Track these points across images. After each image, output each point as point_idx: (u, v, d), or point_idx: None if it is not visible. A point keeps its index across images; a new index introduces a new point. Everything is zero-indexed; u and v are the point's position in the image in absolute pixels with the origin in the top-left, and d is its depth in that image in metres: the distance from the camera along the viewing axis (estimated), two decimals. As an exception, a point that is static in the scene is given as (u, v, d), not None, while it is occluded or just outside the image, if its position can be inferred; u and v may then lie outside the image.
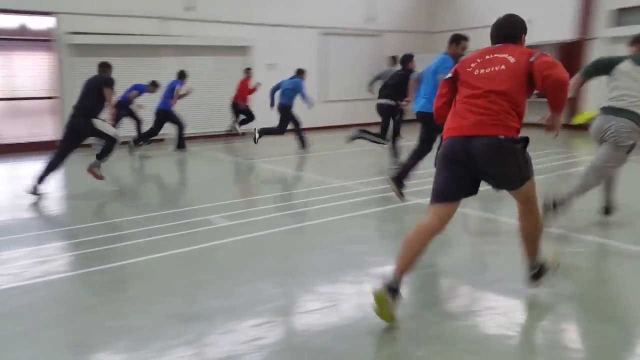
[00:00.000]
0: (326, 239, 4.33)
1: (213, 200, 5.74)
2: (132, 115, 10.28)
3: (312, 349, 2.53)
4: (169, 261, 3.90)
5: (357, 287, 3.28)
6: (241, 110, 11.84)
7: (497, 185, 2.90)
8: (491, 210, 5.12)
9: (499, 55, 2.81)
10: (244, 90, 11.74)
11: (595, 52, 11.93)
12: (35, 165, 8.67)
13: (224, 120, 12.39)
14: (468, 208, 4.60)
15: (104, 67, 6.72)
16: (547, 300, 3.07)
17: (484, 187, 2.92)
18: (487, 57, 2.84)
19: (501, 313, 2.89)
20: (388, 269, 2.82)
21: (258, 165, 8.43)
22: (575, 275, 3.49)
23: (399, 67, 8.38)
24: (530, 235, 2.94)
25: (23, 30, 10.28)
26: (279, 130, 9.56)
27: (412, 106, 5.91)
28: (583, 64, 12.01)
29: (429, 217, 2.79)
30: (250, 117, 11.92)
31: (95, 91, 6.25)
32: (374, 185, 6.42)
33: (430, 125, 5.20)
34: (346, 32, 13.86)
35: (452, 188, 2.79)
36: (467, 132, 2.69)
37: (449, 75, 2.97)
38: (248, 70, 11.83)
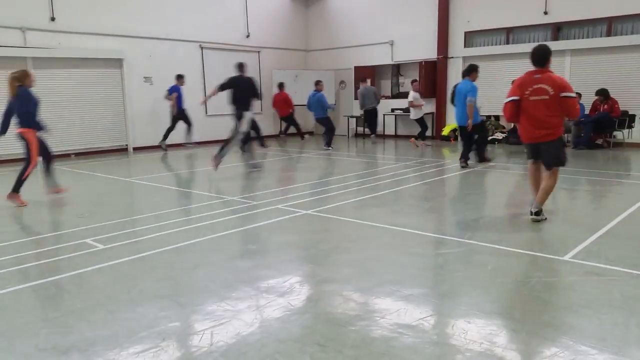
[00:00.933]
0: (214, 256, 4.28)
1: (90, 222, 5.37)
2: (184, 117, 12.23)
3: (201, 369, 2.50)
4: (39, 291, 3.58)
5: (246, 303, 3.29)
6: (289, 119, 14.02)
7: (545, 161, 5.15)
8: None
9: (542, 86, 4.93)
10: (282, 102, 13.80)
11: (453, 69, 13.39)
12: None
13: (100, 135, 11.71)
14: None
15: None
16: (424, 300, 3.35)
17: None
18: (535, 86, 4.96)
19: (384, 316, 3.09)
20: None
21: (138, 183, 8.05)
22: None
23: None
24: (548, 189, 5.09)
25: None
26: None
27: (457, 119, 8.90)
28: (443, 78, 13.51)
29: (529, 166, 5.38)
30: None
31: None
32: (259, 198, 6.48)
33: (465, 133, 8.84)
34: (225, 47, 13.84)
35: (532, 154, 5.27)
36: (538, 140, 5.10)
37: (514, 98, 5.10)
38: (281, 85, 13.88)
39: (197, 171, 9.59)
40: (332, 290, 3.49)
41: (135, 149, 12.27)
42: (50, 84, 10.79)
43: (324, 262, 4.16)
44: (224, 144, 8.53)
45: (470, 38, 13.12)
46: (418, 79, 12.73)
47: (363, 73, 14.29)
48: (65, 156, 11.11)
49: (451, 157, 10.31)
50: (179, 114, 12.09)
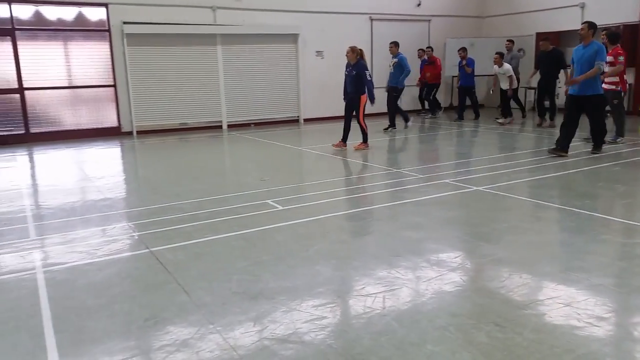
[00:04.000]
0: (383, 225, 4.35)
1: (270, 185, 5.86)
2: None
3: (373, 331, 2.58)
4: (229, 242, 4.03)
5: (416, 273, 3.30)
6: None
7: None
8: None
9: None
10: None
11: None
12: (95, 150, 9.09)
13: (275, 106, 12.60)
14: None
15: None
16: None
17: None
18: None
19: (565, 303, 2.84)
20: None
21: (308, 152, 8.51)
22: None
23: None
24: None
25: (80, 21, 10.70)
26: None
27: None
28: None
29: None
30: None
31: None
32: (430, 172, 6.38)
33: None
34: (395, 17, 13.70)
35: None
36: None
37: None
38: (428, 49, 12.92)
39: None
40: (509, 271, 3.30)
41: (305, 120, 12.95)
42: (235, 59, 11.88)
43: (498, 241, 3.95)
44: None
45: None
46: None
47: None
48: (246, 125, 12.21)
49: (650, 136, 8.92)
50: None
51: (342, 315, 2.77)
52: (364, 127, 8.25)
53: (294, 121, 12.89)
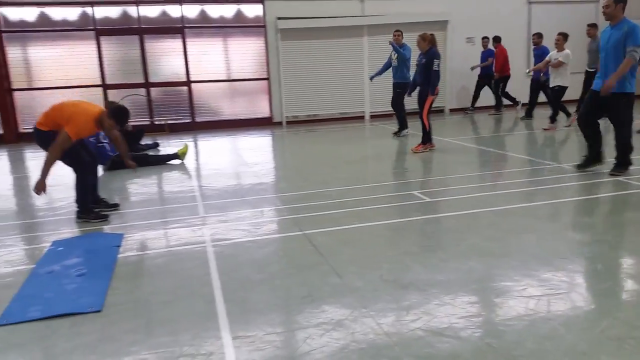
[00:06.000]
0: (542, 223, 4.04)
1: (415, 176, 5.79)
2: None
3: (537, 335, 2.40)
4: (376, 231, 4.06)
5: (585, 278, 3.01)
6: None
7: None
8: None
9: None
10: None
11: None
12: (250, 139, 9.77)
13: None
14: None
15: None
16: None
17: None
18: None
19: None
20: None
21: (460, 143, 8.23)
22: None
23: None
24: None
25: (239, 17, 11.55)
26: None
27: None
28: None
29: None
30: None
31: None
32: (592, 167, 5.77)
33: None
34: None
35: None
36: None
37: None
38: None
39: (511, 134, 9.16)
40: None
41: (451, 110, 12.52)
42: (381, 50, 11.89)
43: None
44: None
45: None
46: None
47: None
48: (388, 116, 12.20)
49: None
50: (487, 80, 11.66)
51: (501, 315, 2.63)
52: (427, 124, 7.49)
53: (440, 111, 12.54)
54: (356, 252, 3.58)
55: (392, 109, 9.29)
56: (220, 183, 6.05)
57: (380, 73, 9.33)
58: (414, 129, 7.99)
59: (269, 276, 3.24)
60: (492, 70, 11.47)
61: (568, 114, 9.20)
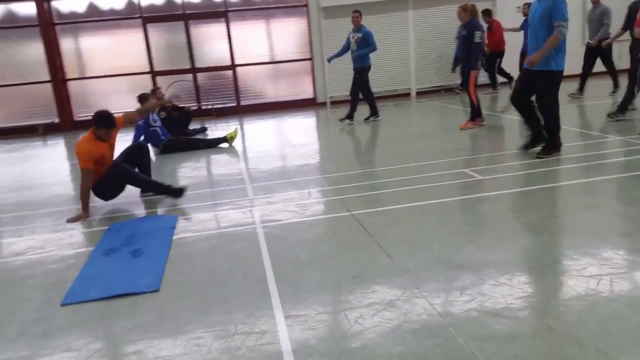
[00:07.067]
0: (601, 199, 3.85)
1: (467, 153, 5.64)
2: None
3: (599, 316, 2.29)
4: (427, 210, 3.99)
5: (650, 256, 2.85)
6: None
7: None
8: None
9: None
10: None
11: None
12: (295, 120, 9.78)
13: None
14: None
15: None
16: None
17: None
18: None
19: None
20: None
21: (513, 117, 7.95)
22: None
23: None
24: None
25: (280, -2, 11.49)
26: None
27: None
28: None
29: None
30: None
31: None
32: (655, 142, 5.44)
33: None
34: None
35: None
36: None
37: None
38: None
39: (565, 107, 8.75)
40: None
41: (502, 84, 12.05)
42: (426, 23, 11.56)
43: None
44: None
45: None
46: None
47: None
48: (435, 92, 11.90)
49: None
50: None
51: (560, 296, 2.53)
52: (474, 100, 7.21)
53: (486, 85, 12.10)
54: (406, 232, 3.53)
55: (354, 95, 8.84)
56: (268, 165, 6.11)
57: (339, 55, 8.94)
58: (464, 104, 7.75)
59: (318, 256, 3.25)
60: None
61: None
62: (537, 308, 2.43)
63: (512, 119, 7.73)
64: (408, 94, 11.97)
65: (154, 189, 4.95)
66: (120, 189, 4.92)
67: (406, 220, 3.80)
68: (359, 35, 8.47)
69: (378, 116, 8.87)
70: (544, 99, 5.08)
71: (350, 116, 8.75)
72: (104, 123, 4.61)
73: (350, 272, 2.97)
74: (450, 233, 3.45)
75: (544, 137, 5.26)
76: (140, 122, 7.12)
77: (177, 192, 4.82)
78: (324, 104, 11.84)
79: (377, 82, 11.82)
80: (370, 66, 8.67)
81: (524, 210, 3.77)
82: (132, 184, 4.91)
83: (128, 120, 5.06)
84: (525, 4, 9.90)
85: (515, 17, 11.70)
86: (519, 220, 3.58)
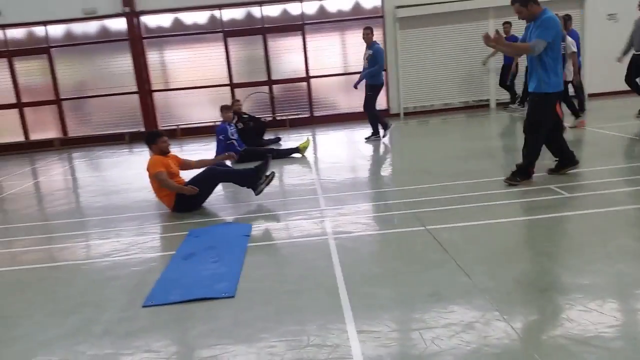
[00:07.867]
0: None
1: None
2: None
3: None
4: (507, 228, 3.79)
5: None
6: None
7: None
8: None
9: None
10: None
11: None
12: (366, 132, 9.72)
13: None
14: None
15: None
16: None
17: None
18: None
19: None
20: None
21: (602, 132, 7.45)
22: None
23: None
24: None
25: (356, 10, 11.52)
26: None
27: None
28: None
29: None
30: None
31: None
32: None
33: None
34: None
35: None
36: None
37: None
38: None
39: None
40: None
41: (590, 95, 11.37)
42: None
43: None
44: None
45: None
46: None
47: None
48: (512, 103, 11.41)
49: None
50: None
51: (661, 327, 2.30)
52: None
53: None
54: (485, 251, 3.38)
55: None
56: (339, 176, 6.10)
57: (361, 79, 8.65)
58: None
59: (391, 271, 3.18)
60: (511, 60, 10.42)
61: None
62: (632, 338, 2.22)
63: (597, 133, 7.23)
64: (487, 105, 11.57)
65: (250, 176, 5.20)
66: (210, 190, 5.23)
67: (486, 237, 3.63)
68: (370, 52, 8.37)
69: (378, 136, 8.60)
70: (531, 121, 4.78)
71: (375, 133, 8.62)
72: (150, 141, 5.18)
73: (426, 290, 2.87)
74: (535, 253, 3.26)
75: (572, 157, 5.04)
76: (220, 137, 7.45)
77: (263, 165, 5.21)
78: (397, 115, 11.71)
79: (453, 94, 11.57)
80: (382, 83, 8.60)
81: (617, 231, 3.49)
82: (227, 181, 5.40)
83: (186, 164, 5.47)
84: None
85: (605, 25, 11.03)
86: (610, 242, 3.31)
